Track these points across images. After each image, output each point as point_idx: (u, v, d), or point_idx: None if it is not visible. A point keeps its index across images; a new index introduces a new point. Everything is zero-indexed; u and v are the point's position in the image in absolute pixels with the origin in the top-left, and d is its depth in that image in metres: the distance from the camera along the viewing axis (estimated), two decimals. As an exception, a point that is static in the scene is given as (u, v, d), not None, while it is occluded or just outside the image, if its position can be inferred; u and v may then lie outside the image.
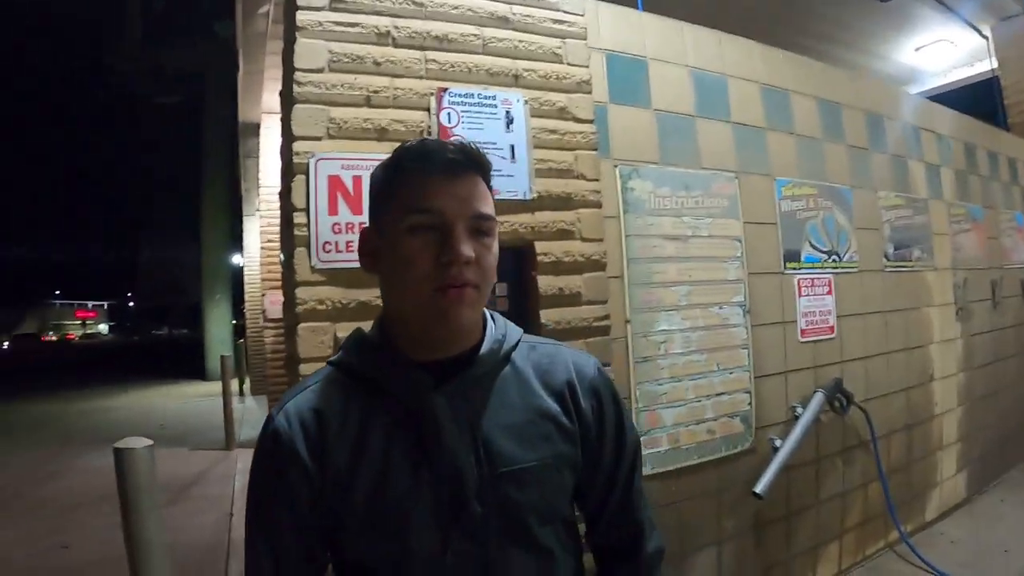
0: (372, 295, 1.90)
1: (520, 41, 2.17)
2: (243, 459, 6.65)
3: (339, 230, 1.89)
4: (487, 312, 1.01)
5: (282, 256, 2.47)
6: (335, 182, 1.89)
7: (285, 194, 2.08)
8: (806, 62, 3.37)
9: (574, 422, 1.00)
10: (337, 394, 0.95)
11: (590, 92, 2.27)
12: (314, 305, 1.86)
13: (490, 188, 0.96)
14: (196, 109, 18.19)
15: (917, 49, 5.91)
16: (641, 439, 2.42)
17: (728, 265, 2.78)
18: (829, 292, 3.20)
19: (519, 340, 1.02)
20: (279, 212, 7.11)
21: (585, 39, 2.31)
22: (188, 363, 19.01)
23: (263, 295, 7.27)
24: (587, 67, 2.28)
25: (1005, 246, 4.67)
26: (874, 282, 3.49)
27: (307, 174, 1.87)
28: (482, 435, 0.93)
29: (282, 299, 7.05)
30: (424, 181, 0.90)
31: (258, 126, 7.24)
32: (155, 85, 18.65)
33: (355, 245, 1.88)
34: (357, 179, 1.91)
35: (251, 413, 9.80)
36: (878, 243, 3.55)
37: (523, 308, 2.13)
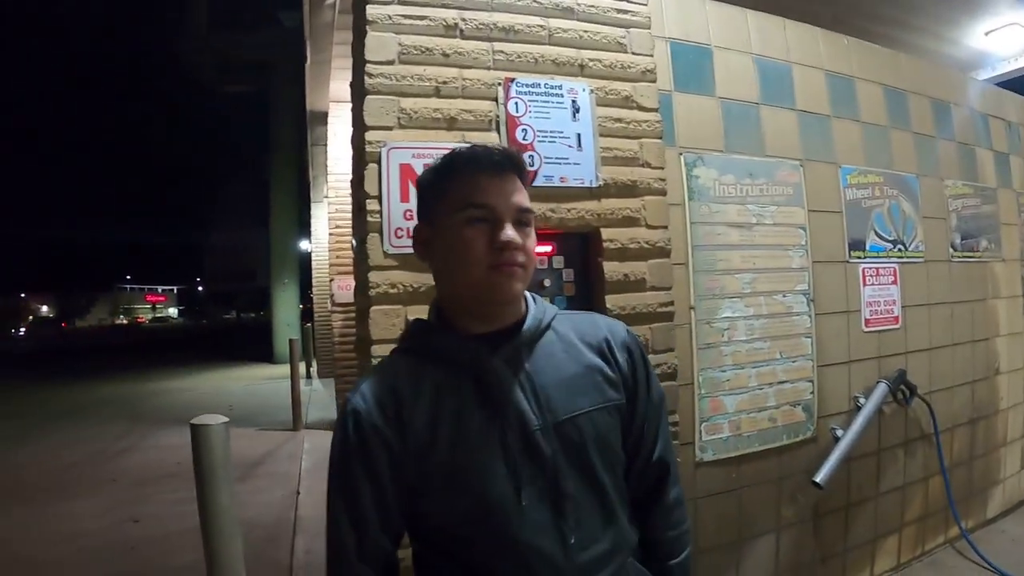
0: (442, 279, 1.95)
1: (585, 31, 2.19)
2: (310, 439, 6.85)
3: (410, 217, 1.93)
4: (528, 293, 1.16)
5: (354, 242, 2.54)
6: (406, 170, 1.94)
7: (358, 182, 2.14)
8: (871, 48, 3.31)
9: (616, 372, 1.16)
10: (408, 372, 1.09)
11: (655, 81, 2.28)
12: (386, 289, 1.92)
13: (525, 185, 1.12)
14: (264, 97, 18.54)
15: (987, 33, 5.69)
16: (703, 425, 2.47)
17: (792, 253, 2.76)
18: (894, 282, 3.15)
19: (556, 313, 1.18)
20: (349, 199, 7.24)
21: (649, 28, 2.31)
22: (256, 346, 19.53)
23: (331, 280, 7.42)
24: (651, 56, 2.28)
25: (1079, 236, 4.50)
26: (940, 272, 3.42)
27: (379, 163, 1.93)
28: (538, 389, 1.07)
29: (351, 284, 7.24)
30: (476, 180, 1.07)
31: (326, 114, 7.37)
32: (223, 74, 19.01)
33: (426, 231, 1.95)
34: (427, 168, 1.95)
35: (318, 395, 10.05)
36: (944, 233, 3.47)
37: (589, 293, 2.16)
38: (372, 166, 1.93)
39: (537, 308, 1.15)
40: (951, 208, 3.52)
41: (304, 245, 17.73)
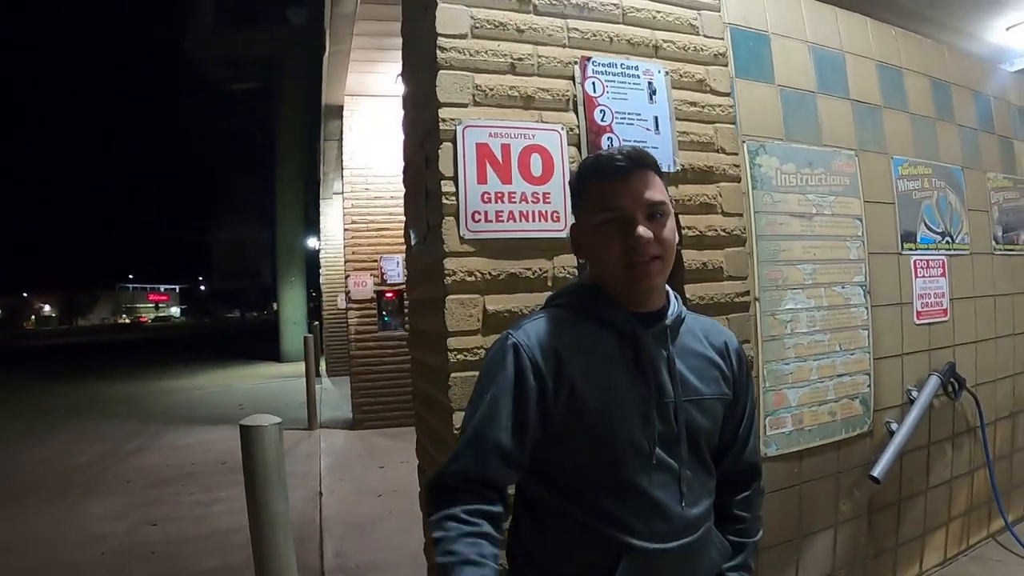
0: (521, 267, 1.89)
1: (658, 12, 2.14)
2: (326, 439, 6.80)
3: (488, 199, 1.86)
4: (669, 289, 1.27)
5: (412, 233, 2.47)
6: (483, 150, 1.87)
7: (424, 165, 2.08)
8: (916, 39, 3.28)
9: (730, 371, 1.29)
10: (566, 323, 1.21)
11: (726, 65, 2.23)
12: (463, 276, 1.84)
13: (661, 176, 1.20)
14: (270, 95, 18.42)
15: (1008, 28, 5.68)
16: (767, 419, 2.43)
17: (850, 244, 2.72)
18: (943, 274, 3.12)
19: (687, 310, 1.30)
20: (366, 193, 7.12)
21: (719, 11, 2.26)
22: (261, 345, 19.43)
23: (347, 276, 7.35)
24: (722, 39, 2.23)
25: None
26: (984, 265, 3.39)
27: (454, 142, 1.85)
28: (676, 369, 1.20)
29: (368, 281, 7.14)
30: (604, 187, 1.17)
31: (341, 108, 7.32)
32: (229, 71, 18.89)
33: (505, 214, 1.89)
34: (506, 147, 1.89)
35: (328, 394, 9.98)
36: (987, 225, 3.45)
37: (670, 282, 2.10)
38: (447, 145, 1.85)
39: (677, 301, 1.27)
40: (993, 201, 3.50)
41: (311, 242, 17.67)
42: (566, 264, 1.94)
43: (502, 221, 1.89)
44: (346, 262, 7.42)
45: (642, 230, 1.13)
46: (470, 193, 1.86)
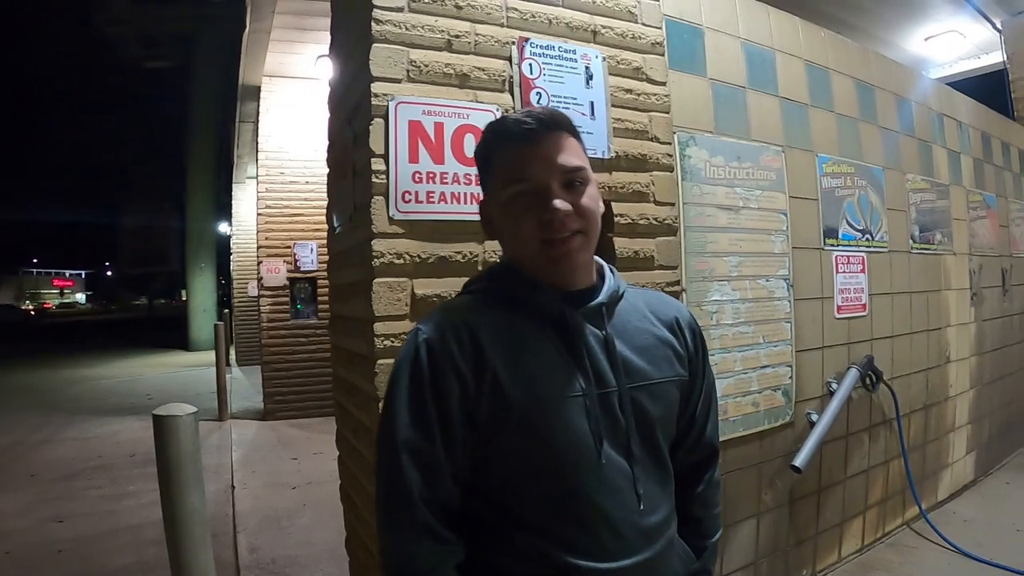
0: (452, 250, 1.85)
1: (598, -5, 2.13)
2: (237, 429, 6.63)
3: (419, 179, 1.81)
4: (599, 259, 1.14)
5: (334, 216, 2.40)
6: (416, 128, 1.82)
7: (352, 142, 2.02)
8: (844, 42, 3.37)
9: (684, 349, 1.15)
10: (485, 311, 1.05)
11: (663, 54, 2.24)
12: (391, 259, 1.78)
13: (578, 139, 1.08)
14: (184, 74, 17.76)
15: (927, 39, 5.95)
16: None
17: (775, 238, 2.78)
18: (863, 270, 3.22)
19: (627, 284, 1.17)
20: (281, 177, 6.96)
21: (658, 0, 2.27)
22: (169, 333, 18.77)
23: (259, 263, 7.15)
24: (660, 28, 2.24)
25: (1014, 235, 4.75)
26: (901, 263, 3.52)
27: (386, 118, 1.79)
28: (617, 353, 1.05)
29: (280, 267, 6.96)
30: (511, 154, 1.04)
31: (258, 89, 7.14)
32: (144, 48, 18.11)
33: (436, 195, 1.84)
34: (439, 126, 1.84)
35: (239, 383, 9.71)
36: (905, 225, 3.58)
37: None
38: (378, 121, 1.79)
39: (614, 276, 1.13)
40: (911, 201, 3.63)
41: (223, 228, 17.12)
42: (497, 248, 1.90)
43: (433, 202, 1.84)
44: (259, 248, 7.22)
45: (558, 202, 0.99)
46: (401, 172, 1.80)
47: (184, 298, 17.82)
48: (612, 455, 1.01)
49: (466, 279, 1.81)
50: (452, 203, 1.86)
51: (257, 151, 7.35)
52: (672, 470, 1.12)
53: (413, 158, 1.81)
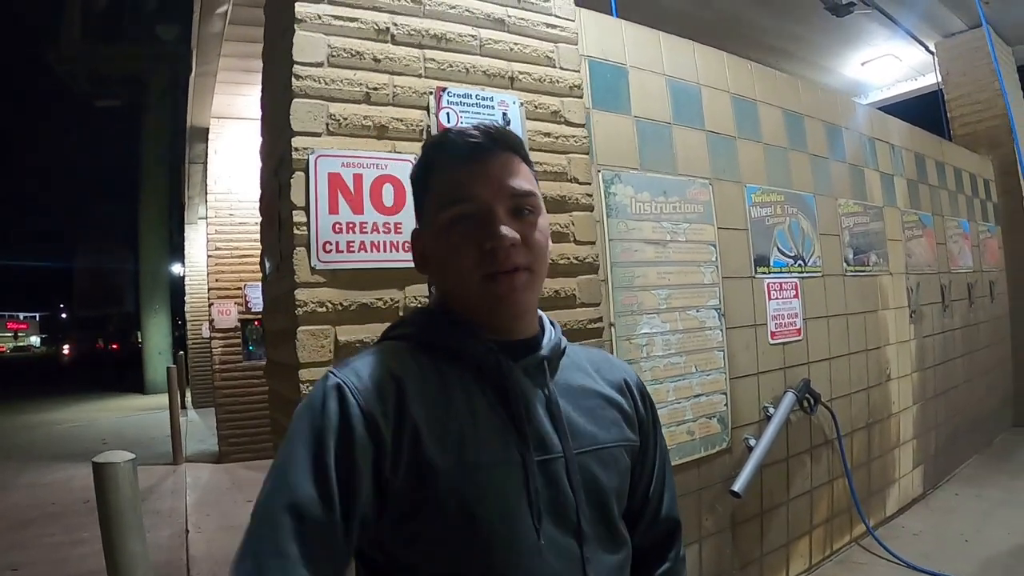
0: (373, 296, 1.88)
1: (515, 44, 2.19)
2: (192, 472, 6.54)
3: (340, 229, 1.85)
4: (541, 312, 1.01)
5: (266, 262, 2.43)
6: (336, 180, 1.86)
7: (277, 194, 2.05)
8: (771, 73, 3.49)
9: (634, 412, 1.02)
10: (409, 359, 0.89)
11: (581, 96, 2.30)
12: (314, 307, 1.82)
13: (528, 164, 0.95)
14: (135, 114, 17.61)
15: (863, 63, 6.16)
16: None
17: (704, 269, 2.85)
18: (796, 296, 3.30)
19: (567, 341, 1.03)
20: (230, 219, 6.95)
21: (576, 44, 2.33)
22: (125, 376, 18.43)
23: (210, 304, 7.10)
24: (578, 71, 2.31)
25: (952, 252, 4.90)
26: (836, 286, 3.62)
27: (307, 171, 1.84)
28: (560, 414, 0.91)
29: (231, 309, 6.87)
30: (454, 172, 0.89)
31: (206, 131, 7.11)
32: (93, 87, 17.94)
33: (356, 245, 1.88)
34: (358, 177, 1.89)
35: (195, 426, 9.57)
36: (839, 248, 3.68)
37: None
38: (299, 175, 1.83)
39: (555, 327, 1.00)
40: (844, 225, 3.74)
41: (176, 269, 16.93)
42: (418, 294, 1.94)
43: (353, 251, 1.88)
44: (209, 290, 7.17)
45: (504, 229, 0.85)
46: (321, 223, 1.84)
47: (140, 340, 17.46)
48: (555, 534, 0.85)
49: (386, 324, 1.89)
50: (372, 251, 1.90)
51: (206, 193, 7.32)
52: (629, 542, 0.97)
53: (333, 209, 1.85)
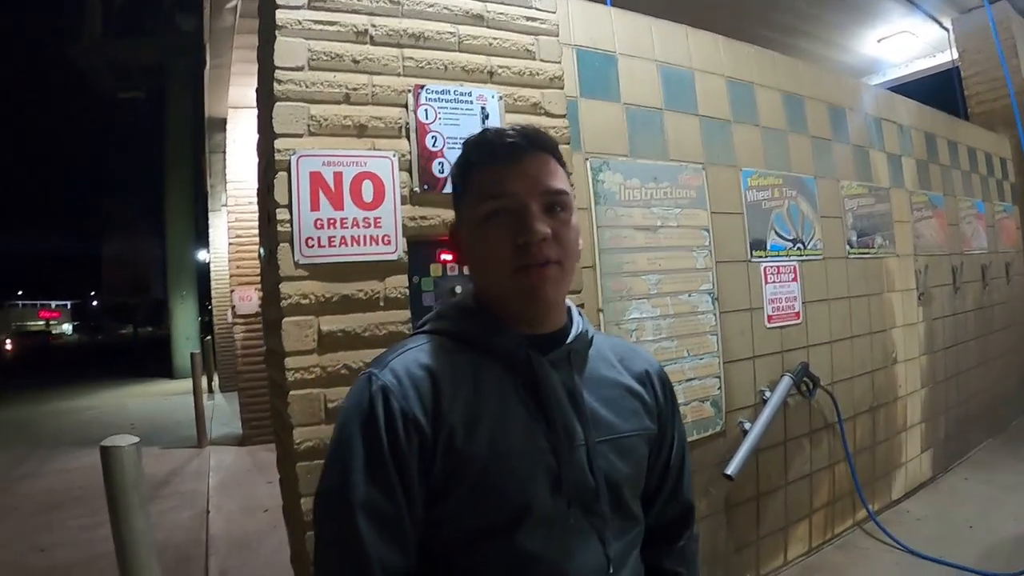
0: (354, 288, 1.94)
1: (494, 38, 2.21)
2: (216, 456, 6.69)
3: (321, 225, 1.92)
4: (568, 302, 1.05)
5: (262, 252, 2.50)
6: (317, 179, 1.92)
7: (266, 191, 2.11)
8: (769, 55, 3.45)
9: (653, 402, 1.08)
10: (444, 354, 0.96)
11: (562, 88, 2.32)
12: (298, 299, 1.89)
13: (562, 164, 1.00)
14: (159, 104, 17.86)
15: (879, 41, 6.05)
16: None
17: (696, 254, 2.85)
18: (795, 279, 3.29)
19: (594, 330, 1.09)
20: (249, 207, 7.06)
21: (557, 36, 2.35)
22: (155, 362, 18.78)
23: (232, 291, 7.21)
24: (559, 63, 2.32)
25: (965, 233, 4.82)
26: (838, 269, 3.59)
27: (289, 171, 1.90)
28: (584, 404, 0.97)
29: (252, 295, 6.95)
30: (492, 169, 0.96)
31: (224, 121, 7.20)
32: (117, 80, 18.24)
33: (337, 239, 1.94)
34: (338, 175, 1.95)
35: (220, 410, 9.77)
36: (841, 231, 3.65)
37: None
38: (282, 175, 1.89)
39: (582, 318, 1.05)
40: (847, 207, 3.71)
41: (202, 255, 17.19)
42: (397, 285, 1.99)
43: (335, 246, 1.95)
44: (231, 276, 7.28)
45: (538, 224, 0.91)
46: (304, 220, 1.91)
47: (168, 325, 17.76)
48: (580, 517, 0.93)
49: (371, 313, 1.95)
50: (352, 245, 1.96)
51: (226, 181, 7.43)
52: (643, 527, 1.05)
53: (314, 207, 1.92)
